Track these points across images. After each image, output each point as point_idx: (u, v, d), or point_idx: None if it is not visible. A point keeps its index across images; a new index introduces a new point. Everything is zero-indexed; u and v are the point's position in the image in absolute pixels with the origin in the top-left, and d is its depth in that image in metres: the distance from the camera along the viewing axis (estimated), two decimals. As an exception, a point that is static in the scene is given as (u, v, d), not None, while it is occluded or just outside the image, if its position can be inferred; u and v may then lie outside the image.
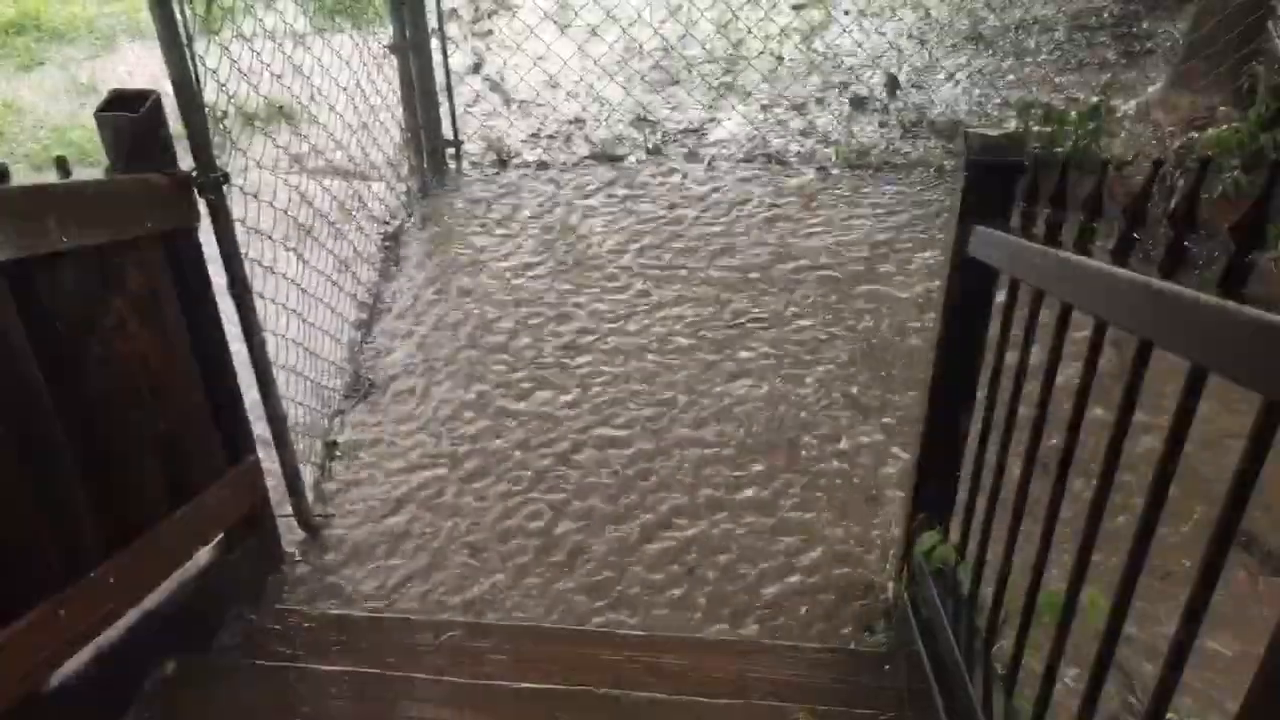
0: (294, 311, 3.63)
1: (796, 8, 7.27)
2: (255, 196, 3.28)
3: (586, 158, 5.79)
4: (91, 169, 5.14)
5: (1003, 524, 1.93)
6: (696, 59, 6.65)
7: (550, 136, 6.03)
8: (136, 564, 2.43)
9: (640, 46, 6.72)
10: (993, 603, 1.98)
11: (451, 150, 5.67)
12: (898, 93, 6.25)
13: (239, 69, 3.14)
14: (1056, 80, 6.15)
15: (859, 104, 6.18)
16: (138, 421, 2.43)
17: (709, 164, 5.66)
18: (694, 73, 6.52)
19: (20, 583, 2.08)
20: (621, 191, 5.39)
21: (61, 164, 2.37)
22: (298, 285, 3.70)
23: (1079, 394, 1.56)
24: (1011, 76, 6.30)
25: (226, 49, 3.03)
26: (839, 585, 3.17)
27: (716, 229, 5.02)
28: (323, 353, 3.93)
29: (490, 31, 7.24)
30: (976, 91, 6.17)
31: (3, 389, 1.98)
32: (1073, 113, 5.25)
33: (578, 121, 6.14)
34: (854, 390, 3.96)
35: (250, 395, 3.00)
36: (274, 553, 3.26)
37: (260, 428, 3.11)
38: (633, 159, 5.76)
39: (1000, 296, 2.12)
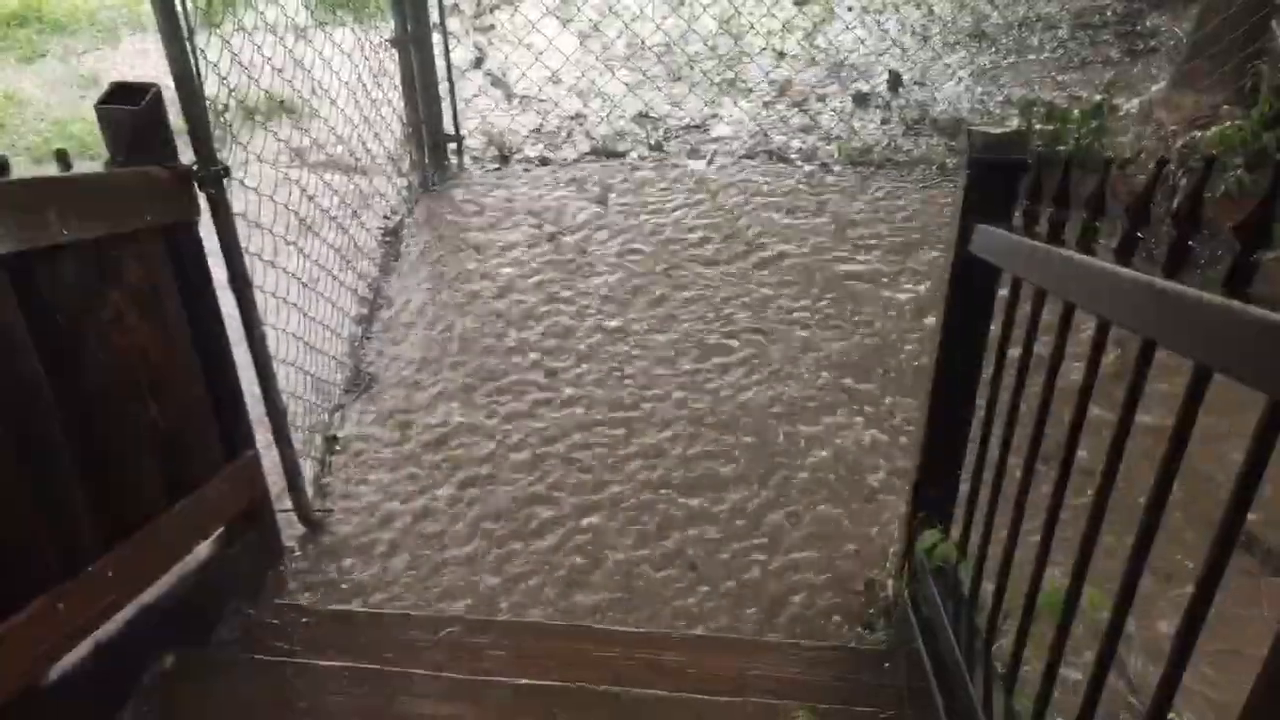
0: (294, 306, 3.62)
1: (799, 3, 7.26)
2: (256, 191, 3.27)
3: (588, 153, 5.78)
4: (92, 162, 5.13)
5: (1004, 522, 1.93)
6: (699, 55, 6.64)
7: (552, 132, 6.01)
8: (135, 558, 2.43)
9: (642, 42, 6.71)
10: (993, 601, 1.97)
11: (453, 145, 5.65)
12: (900, 90, 6.24)
13: (240, 62, 3.13)
14: (1059, 78, 6.14)
15: (861, 101, 6.16)
16: (137, 415, 2.43)
17: (710, 160, 5.65)
18: (696, 69, 6.51)
19: (19, 577, 2.08)
20: (623, 187, 5.38)
21: (62, 157, 2.37)
22: (298, 280, 3.70)
23: (1081, 393, 1.55)
24: (1014, 74, 6.28)
25: (227, 42, 3.02)
26: (839, 583, 3.17)
27: (718, 223, 5.01)
28: (323, 347, 3.92)
29: (492, 26, 7.23)
30: (979, 89, 6.16)
31: (2, 382, 1.97)
32: (1075, 111, 5.24)
33: (579, 117, 6.13)
34: (855, 387, 3.96)
35: (250, 390, 3.00)
36: (273, 547, 3.26)
37: (260, 422, 3.10)
38: (634, 155, 5.75)
39: (1002, 295, 2.11)
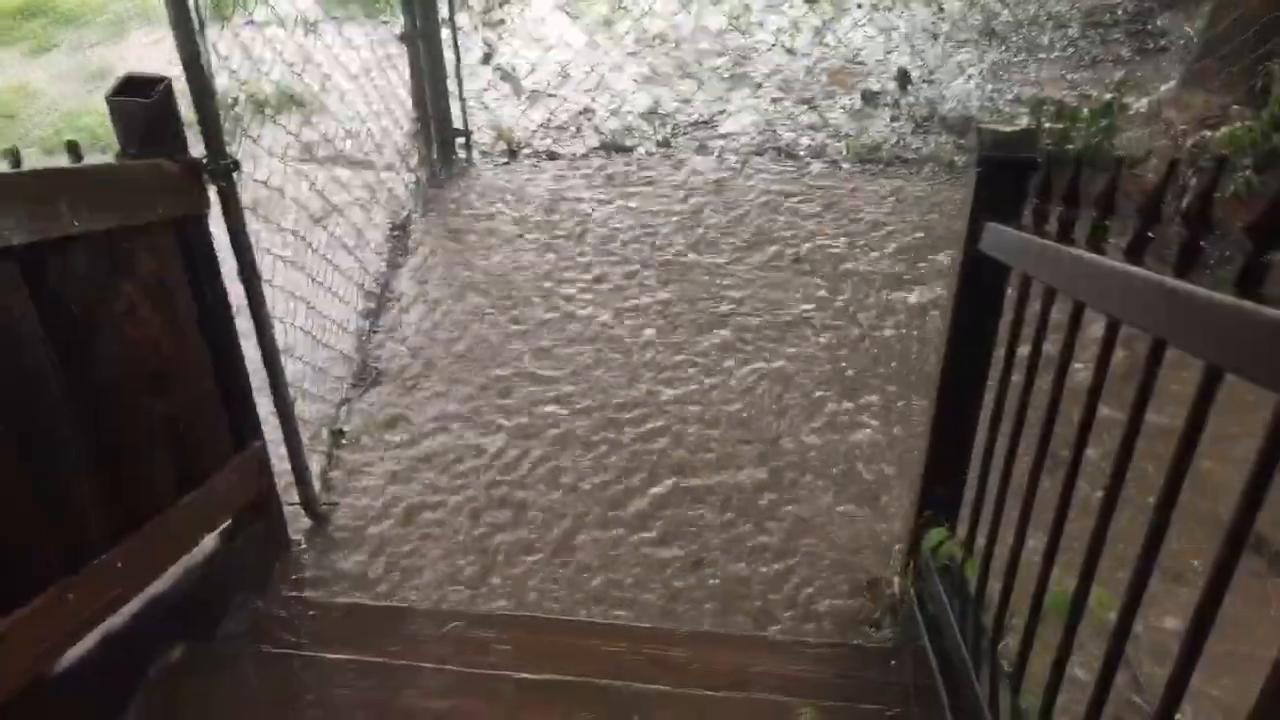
0: (302, 299, 3.63)
1: (809, 0, 7.25)
2: (265, 184, 3.28)
3: (596, 148, 5.77)
4: (102, 154, 5.14)
5: (1010, 521, 1.93)
6: (708, 51, 6.64)
7: (560, 127, 6.01)
8: (143, 549, 2.43)
9: (652, 38, 6.71)
10: (1000, 599, 1.97)
11: (461, 140, 5.66)
12: (909, 87, 6.23)
13: (250, 56, 3.13)
14: (1069, 76, 6.13)
15: (870, 98, 6.15)
16: (148, 407, 2.43)
17: (718, 156, 5.64)
18: (705, 65, 6.50)
19: (30, 568, 2.08)
20: (631, 182, 5.38)
21: (73, 148, 2.37)
22: (306, 273, 3.71)
23: (1090, 392, 1.55)
24: (1024, 72, 6.27)
25: (238, 35, 3.02)
26: (844, 580, 3.17)
27: (725, 220, 5.01)
28: (330, 341, 3.93)
29: (501, 21, 7.23)
30: (989, 87, 6.15)
31: (14, 373, 1.97)
32: (1085, 110, 5.23)
33: (588, 112, 6.13)
34: (862, 383, 3.96)
35: (257, 382, 3.00)
36: (280, 540, 3.27)
37: (267, 415, 3.11)
38: (642, 150, 5.75)
39: (1011, 293, 2.11)
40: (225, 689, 2.55)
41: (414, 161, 5.41)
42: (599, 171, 5.50)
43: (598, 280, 4.62)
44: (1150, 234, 1.43)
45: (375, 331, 4.40)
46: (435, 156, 5.50)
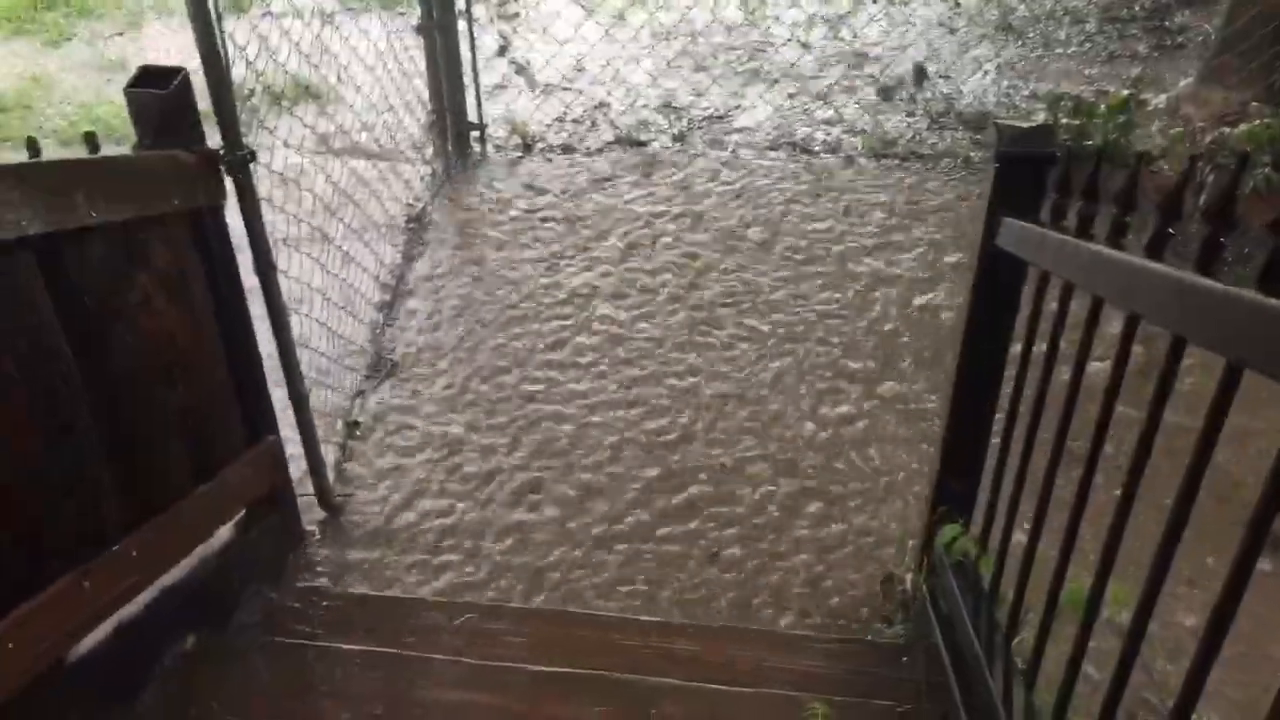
0: (317, 291, 3.64)
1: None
2: (281, 176, 3.28)
3: (611, 143, 5.76)
4: (118, 146, 5.16)
5: (1025, 518, 1.92)
6: (723, 45, 6.63)
7: (575, 121, 6.00)
8: (159, 539, 2.44)
9: (667, 32, 6.70)
10: (1014, 596, 1.97)
11: (476, 133, 5.66)
12: (925, 82, 6.20)
13: (267, 47, 3.14)
14: (1086, 72, 6.09)
15: (886, 93, 6.13)
16: (163, 398, 2.44)
17: (733, 151, 5.63)
18: (720, 59, 6.49)
19: (48, 554, 2.09)
20: (645, 177, 5.37)
21: (90, 139, 2.38)
22: (321, 265, 3.71)
23: (1108, 389, 1.55)
24: (1041, 68, 6.24)
25: (255, 27, 3.03)
26: (857, 576, 3.17)
27: (739, 215, 5.00)
28: (345, 333, 3.94)
29: (517, 14, 7.23)
30: (1005, 82, 6.12)
31: (32, 363, 1.98)
32: (1102, 106, 5.20)
33: (602, 106, 6.12)
34: (874, 378, 3.95)
35: (273, 374, 3.01)
36: (294, 531, 3.28)
37: (282, 406, 3.12)
38: (657, 144, 5.74)
39: (1029, 289, 2.10)
40: (238, 679, 2.56)
41: (429, 154, 5.41)
42: (613, 166, 5.49)
43: (612, 272, 4.62)
44: (1171, 230, 1.43)
45: (390, 323, 4.40)
46: (450, 149, 5.50)
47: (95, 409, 2.17)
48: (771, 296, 4.43)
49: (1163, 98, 5.46)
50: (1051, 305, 1.86)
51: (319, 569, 3.24)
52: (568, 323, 4.34)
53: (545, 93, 6.27)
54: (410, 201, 5.15)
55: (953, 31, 6.72)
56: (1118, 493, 1.47)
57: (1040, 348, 1.92)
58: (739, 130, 5.86)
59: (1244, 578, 1.14)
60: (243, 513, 2.95)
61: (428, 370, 4.12)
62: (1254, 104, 4.89)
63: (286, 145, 3.46)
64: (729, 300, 4.43)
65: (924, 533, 2.77)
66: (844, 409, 3.83)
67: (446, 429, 3.81)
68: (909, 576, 2.99)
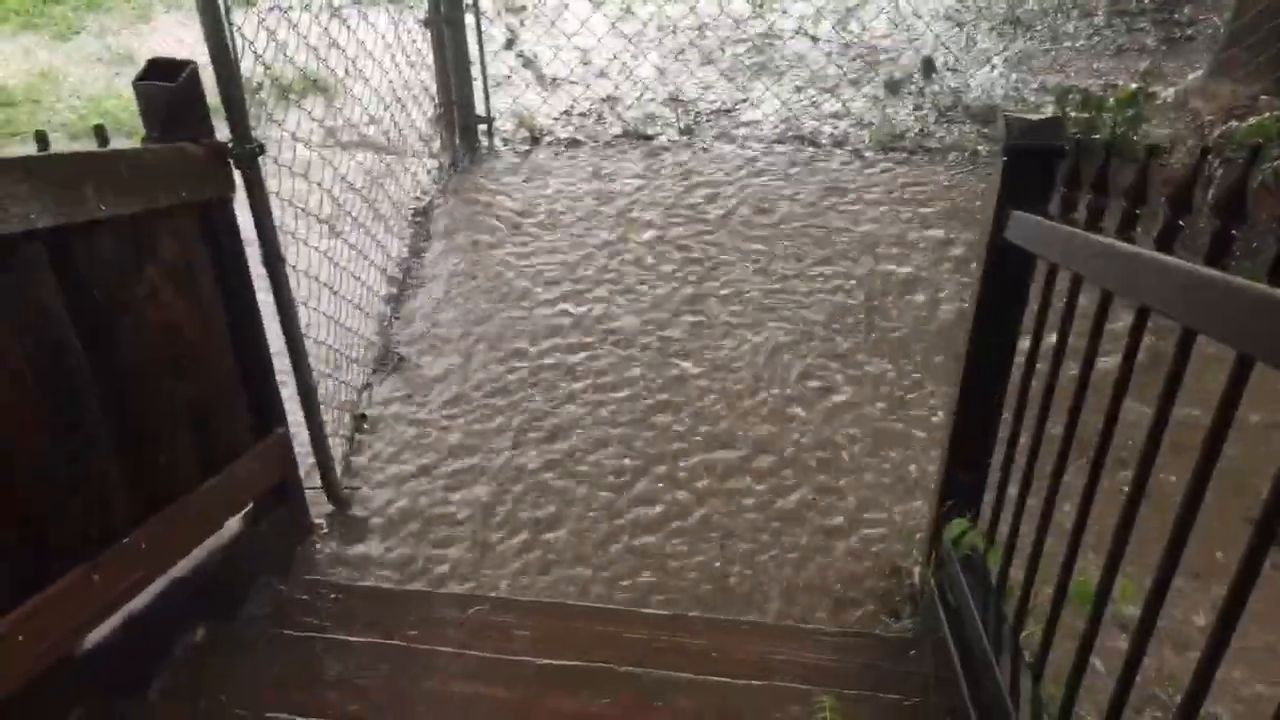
0: (325, 285, 3.64)
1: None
2: (289, 169, 3.28)
3: (618, 136, 5.77)
4: (127, 139, 5.17)
5: (1034, 511, 1.92)
6: (730, 39, 6.62)
7: (582, 114, 6.01)
8: (168, 531, 2.45)
9: (674, 25, 6.69)
10: (1022, 590, 1.97)
11: (483, 126, 5.66)
12: (933, 76, 6.19)
13: (275, 40, 3.14)
14: (1095, 66, 6.07)
15: (894, 87, 6.12)
16: (172, 391, 2.45)
17: (740, 144, 5.62)
18: (727, 52, 6.48)
19: (57, 547, 2.10)
20: (652, 170, 5.37)
21: (100, 133, 2.38)
22: (329, 258, 3.72)
23: (1117, 382, 1.54)
24: (1049, 61, 6.23)
25: (263, 20, 3.03)
26: (865, 570, 3.17)
27: (746, 209, 4.99)
28: (353, 326, 3.94)
29: (524, 7, 7.23)
30: (1013, 76, 6.10)
31: (41, 356, 1.99)
32: (1111, 99, 5.19)
33: (610, 99, 6.12)
34: (877, 374, 3.95)
35: (280, 367, 3.01)
36: (302, 524, 3.29)
37: (290, 399, 3.12)
38: (664, 138, 5.74)
39: (1037, 282, 2.09)
40: (247, 671, 2.57)
41: (436, 147, 5.41)
42: (620, 159, 5.49)
43: (619, 266, 4.62)
44: (1181, 223, 1.42)
45: (397, 316, 4.41)
46: (458, 143, 5.50)
47: (104, 402, 2.17)
48: (778, 289, 4.43)
49: (1171, 91, 5.44)
50: (1061, 299, 1.85)
51: (327, 561, 3.25)
52: (574, 314, 4.34)
53: (553, 86, 6.27)
54: (418, 195, 5.16)
55: (960, 25, 6.70)
56: (1126, 487, 1.46)
57: (1049, 340, 1.91)
58: (746, 124, 5.86)
59: (1253, 573, 1.13)
60: (251, 505, 2.96)
61: (435, 363, 4.13)
62: (1263, 97, 4.87)
63: (295, 138, 3.46)
64: (735, 293, 4.43)
65: (931, 526, 2.77)
66: (848, 404, 3.83)
67: (453, 421, 3.82)
68: (917, 570, 2.99)
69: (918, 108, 5.92)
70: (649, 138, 5.73)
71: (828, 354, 4.07)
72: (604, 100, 6.11)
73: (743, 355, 4.08)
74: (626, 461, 3.62)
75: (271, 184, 2.90)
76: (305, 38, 3.52)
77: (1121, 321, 1.53)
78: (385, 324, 4.34)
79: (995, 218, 2.25)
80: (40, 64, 6.74)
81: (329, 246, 3.72)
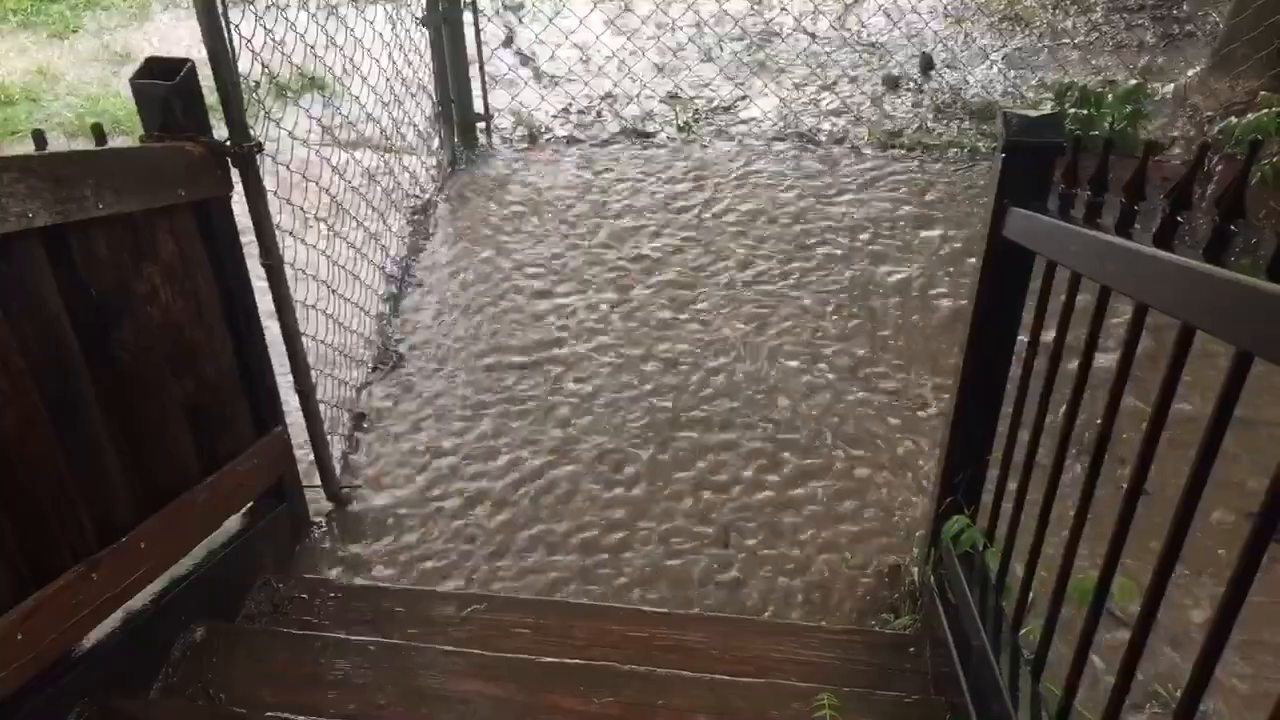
0: (323, 283, 3.64)
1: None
2: (287, 167, 3.28)
3: (617, 134, 5.76)
4: (124, 138, 5.16)
5: (1032, 509, 1.92)
6: (729, 35, 6.61)
7: (581, 112, 6.00)
8: (167, 530, 2.45)
9: (673, 22, 6.69)
10: (1021, 587, 1.97)
11: (482, 124, 5.66)
12: (932, 73, 6.19)
13: (273, 38, 3.13)
14: (1093, 62, 6.08)
15: (892, 83, 6.12)
16: (170, 390, 2.44)
17: (739, 142, 5.62)
18: (726, 49, 6.47)
19: (56, 545, 2.10)
20: (651, 167, 5.37)
21: (98, 131, 2.38)
22: (327, 257, 3.71)
23: (1116, 378, 1.54)
24: (1048, 57, 6.23)
25: (261, 18, 3.03)
26: (865, 568, 3.17)
27: (745, 206, 4.99)
28: (351, 325, 3.94)
29: (522, 5, 7.22)
30: (1012, 72, 6.11)
31: (40, 355, 1.99)
32: (1110, 95, 5.18)
33: (608, 97, 6.11)
34: (878, 371, 3.95)
35: (279, 366, 3.01)
36: (301, 522, 3.29)
37: (289, 398, 3.12)
38: (663, 135, 5.73)
39: (1036, 279, 2.09)
40: (247, 667, 2.56)
41: (435, 145, 5.41)
42: (619, 157, 5.49)
43: (618, 264, 4.62)
44: (1180, 219, 1.42)
45: (396, 315, 4.41)
46: (456, 141, 5.50)
47: (102, 400, 2.17)
48: (775, 286, 4.43)
49: (1170, 87, 5.44)
50: (1059, 295, 1.85)
51: (326, 560, 3.25)
52: (574, 312, 4.34)
53: (551, 84, 6.26)
54: (416, 193, 5.15)
55: (959, 21, 6.70)
56: (1125, 484, 1.46)
57: (1047, 337, 1.91)
58: (745, 121, 5.86)
59: (1252, 569, 1.13)
60: (250, 504, 2.96)
61: (434, 361, 4.12)
62: (1262, 93, 4.87)
63: (292, 137, 3.45)
64: (732, 290, 4.43)
65: (931, 524, 2.77)
66: (844, 400, 3.83)
67: (453, 420, 3.82)
68: (916, 568, 2.99)
69: (916, 104, 5.92)
70: (648, 135, 5.73)
71: (823, 350, 4.07)
72: (603, 98, 6.11)
73: (739, 351, 4.08)
74: (626, 454, 3.61)
75: (269, 182, 2.89)
76: (302, 35, 3.51)
77: (1122, 318, 1.52)
78: (384, 322, 4.34)
79: (994, 214, 2.24)
80: (38, 62, 6.73)
81: (327, 245, 3.72)
